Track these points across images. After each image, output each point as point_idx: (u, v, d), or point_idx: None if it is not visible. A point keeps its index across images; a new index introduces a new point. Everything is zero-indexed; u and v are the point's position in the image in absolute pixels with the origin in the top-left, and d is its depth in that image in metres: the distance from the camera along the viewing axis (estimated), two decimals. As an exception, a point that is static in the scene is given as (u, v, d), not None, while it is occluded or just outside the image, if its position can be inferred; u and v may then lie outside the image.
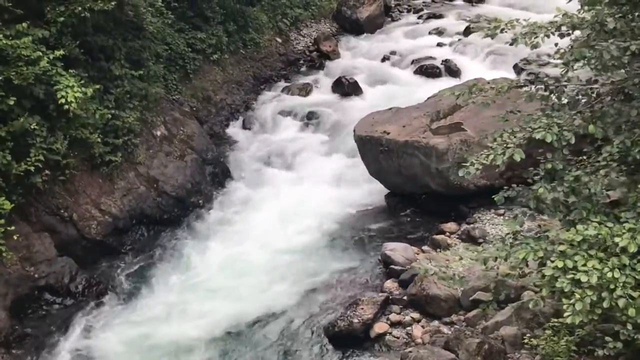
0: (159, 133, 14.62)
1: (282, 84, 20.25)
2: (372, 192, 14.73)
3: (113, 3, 11.41)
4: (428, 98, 15.27)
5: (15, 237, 10.57)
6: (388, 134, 13.53)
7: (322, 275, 12.22)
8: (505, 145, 7.10)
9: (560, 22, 7.56)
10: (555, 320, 8.82)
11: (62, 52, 11.17)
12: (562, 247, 6.50)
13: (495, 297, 8.61)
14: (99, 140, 12.30)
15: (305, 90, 19.52)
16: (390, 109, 14.78)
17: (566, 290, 6.22)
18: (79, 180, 12.44)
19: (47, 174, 11.44)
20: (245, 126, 18.10)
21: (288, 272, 12.47)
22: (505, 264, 8.52)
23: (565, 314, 6.23)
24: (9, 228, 10.35)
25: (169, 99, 15.78)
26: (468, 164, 7.25)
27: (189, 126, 15.55)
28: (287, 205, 14.59)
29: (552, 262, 6.44)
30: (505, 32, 7.80)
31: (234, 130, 17.93)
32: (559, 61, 18.67)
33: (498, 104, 14.36)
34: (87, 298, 11.63)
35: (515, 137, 7.17)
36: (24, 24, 10.85)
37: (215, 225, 14.06)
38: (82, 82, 11.49)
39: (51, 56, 11.00)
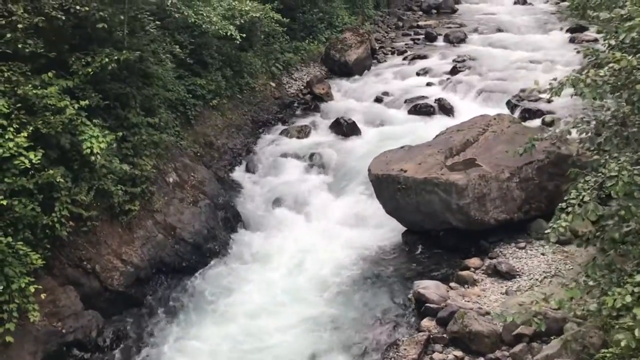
0: (171, 180, 14.48)
1: (280, 126, 20.36)
2: (388, 230, 14.73)
3: (137, 53, 11.41)
4: (437, 135, 15.52)
5: (43, 296, 10.23)
6: (405, 171, 13.65)
7: (351, 317, 12.06)
8: (580, 196, 7.03)
9: (622, 66, 7.53)
10: (606, 350, 8.90)
11: (87, 102, 11.06)
12: None
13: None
14: (119, 190, 12.13)
15: (304, 132, 19.66)
16: (402, 147, 14.96)
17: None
18: (100, 231, 12.18)
19: (72, 226, 11.20)
20: (248, 170, 18.06)
21: (315, 315, 12.28)
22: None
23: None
24: (37, 286, 10.04)
25: (177, 145, 15.68)
26: (550, 231, 7.12)
27: (199, 172, 15.45)
28: (302, 248, 14.48)
29: None
30: (567, 87, 7.82)
31: (238, 174, 17.86)
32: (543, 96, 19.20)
33: (507, 139, 14.85)
34: (115, 352, 11.28)
35: (588, 185, 7.12)
36: (49, 74, 10.76)
37: (233, 271, 13.81)
38: (106, 132, 11.36)
39: (76, 106, 10.87)
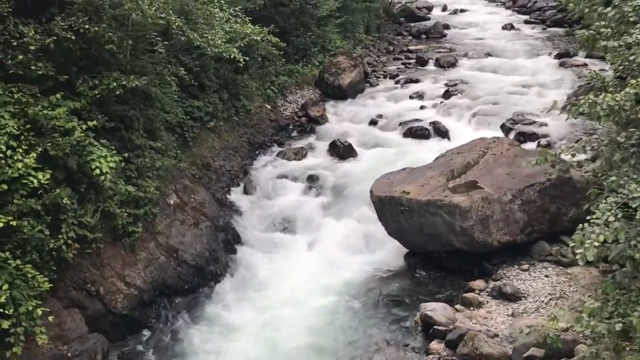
0: (172, 201, 14.41)
1: (276, 148, 20.42)
2: (389, 252, 14.75)
3: (144, 79, 11.43)
4: (437, 158, 15.65)
5: (51, 319, 10.09)
6: (408, 193, 13.72)
7: (357, 342, 11.99)
8: (604, 217, 7.07)
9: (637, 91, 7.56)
10: (617, 371, 8.95)
11: (94, 123, 11.02)
12: None
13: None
14: (124, 212, 12.06)
15: (301, 154, 19.73)
16: (403, 169, 15.06)
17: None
18: (103, 253, 12.06)
19: (77, 248, 11.09)
20: (246, 192, 18.01)
21: (319, 340, 12.18)
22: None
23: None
24: (45, 309, 9.91)
25: (176, 167, 15.62)
26: (579, 251, 7.13)
27: (198, 193, 15.40)
28: (303, 271, 14.39)
29: None
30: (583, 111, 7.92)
31: (236, 196, 17.79)
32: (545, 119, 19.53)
33: (508, 162, 15.00)
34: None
35: (609, 205, 7.18)
36: (58, 95, 10.72)
37: (235, 295, 13.71)
38: (114, 152, 11.32)
39: (84, 127, 10.83)
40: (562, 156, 10.80)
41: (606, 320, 7.53)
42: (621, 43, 8.69)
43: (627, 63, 9.12)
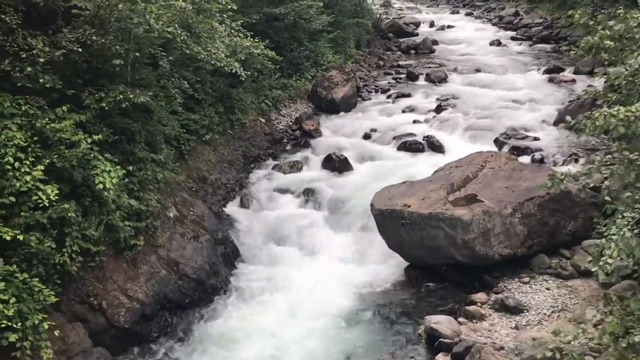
0: (171, 214, 14.34)
1: (271, 162, 20.43)
2: (389, 266, 14.78)
3: (150, 93, 11.43)
4: (435, 171, 15.77)
5: (57, 333, 9.99)
6: (409, 206, 13.79)
7: (360, 356, 11.97)
8: (621, 232, 7.17)
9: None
10: (626, 383, 9.03)
11: (99, 136, 10.98)
12: None
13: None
14: (128, 225, 11.99)
15: (296, 168, 19.76)
16: (403, 182, 15.15)
17: None
18: (106, 266, 11.97)
19: (80, 261, 11.00)
20: (243, 205, 17.98)
21: (322, 356, 12.17)
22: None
23: None
24: (51, 323, 9.82)
25: (175, 180, 15.57)
26: (597, 268, 7.17)
27: (197, 206, 15.36)
28: (303, 286, 14.32)
29: None
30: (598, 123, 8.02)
31: (233, 209, 17.76)
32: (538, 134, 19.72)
33: (506, 176, 15.15)
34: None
35: (625, 220, 7.27)
36: (64, 108, 10.68)
37: (236, 309, 13.62)
38: (118, 167, 11.27)
39: (89, 140, 10.79)
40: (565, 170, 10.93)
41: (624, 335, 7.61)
42: (627, 67, 8.84)
43: (630, 78, 9.31)
